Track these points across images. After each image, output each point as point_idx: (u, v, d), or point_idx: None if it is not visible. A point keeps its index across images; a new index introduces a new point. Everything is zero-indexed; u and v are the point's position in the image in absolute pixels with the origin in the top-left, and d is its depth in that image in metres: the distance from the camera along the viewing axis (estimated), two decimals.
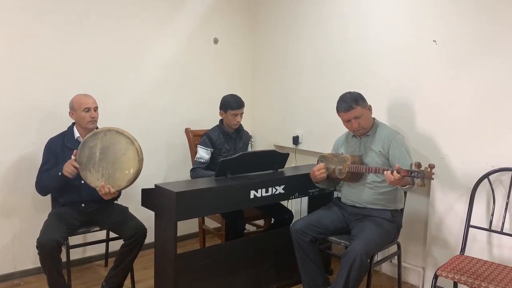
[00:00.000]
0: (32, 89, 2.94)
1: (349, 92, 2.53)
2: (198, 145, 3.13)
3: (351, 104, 2.45)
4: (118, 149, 2.47)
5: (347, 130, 2.69)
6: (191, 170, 3.10)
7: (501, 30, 2.40)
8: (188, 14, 3.67)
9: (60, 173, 2.49)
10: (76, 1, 3.06)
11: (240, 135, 3.23)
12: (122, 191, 2.66)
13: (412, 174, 2.09)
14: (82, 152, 2.48)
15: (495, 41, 2.43)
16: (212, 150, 3.09)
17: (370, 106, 2.55)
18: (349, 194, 2.61)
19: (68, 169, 2.46)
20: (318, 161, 2.69)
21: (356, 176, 2.50)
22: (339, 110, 2.52)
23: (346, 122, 2.53)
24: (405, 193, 2.65)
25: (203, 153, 3.08)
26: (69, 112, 2.67)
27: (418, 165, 2.09)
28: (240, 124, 3.21)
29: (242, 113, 3.14)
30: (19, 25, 2.86)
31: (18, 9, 2.84)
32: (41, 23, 2.94)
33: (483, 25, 2.47)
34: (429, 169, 2.05)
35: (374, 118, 2.60)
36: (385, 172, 2.22)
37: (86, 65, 3.14)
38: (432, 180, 2.14)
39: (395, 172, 2.15)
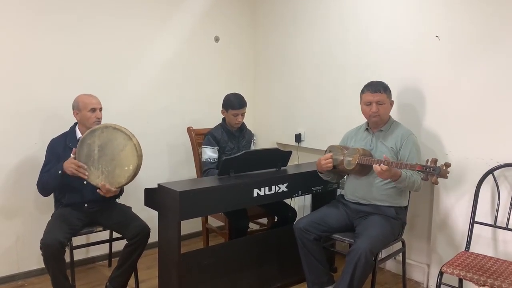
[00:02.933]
0: (34, 90, 2.93)
1: (380, 80, 2.56)
2: (203, 146, 3.11)
3: (379, 88, 2.49)
4: (116, 145, 2.45)
5: (357, 125, 2.71)
6: (204, 172, 3.08)
7: (505, 25, 2.39)
8: (189, 13, 3.65)
9: (60, 172, 2.48)
10: (77, 3, 3.05)
11: (243, 134, 3.22)
12: (124, 189, 2.66)
13: (427, 170, 2.09)
14: (81, 150, 2.48)
15: (500, 36, 2.41)
16: (218, 148, 3.08)
17: (393, 102, 2.58)
18: (353, 189, 2.59)
19: (72, 169, 2.44)
20: (326, 151, 2.68)
21: (364, 170, 2.49)
22: (364, 90, 2.53)
23: (366, 104, 2.52)
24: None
25: (211, 153, 3.05)
26: (74, 112, 2.67)
27: (435, 161, 2.09)
28: (243, 123, 3.20)
29: (244, 113, 3.12)
30: (20, 26, 2.85)
31: (19, 10, 2.84)
32: (42, 24, 2.93)
33: (486, 20, 2.46)
34: (445, 167, 2.06)
35: (390, 116, 2.62)
36: (373, 166, 2.26)
37: (87, 65, 3.14)
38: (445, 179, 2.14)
39: (382, 165, 2.20)
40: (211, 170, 3.03)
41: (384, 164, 2.21)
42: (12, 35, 2.83)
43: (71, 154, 2.49)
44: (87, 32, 3.12)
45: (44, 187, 2.61)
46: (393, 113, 2.90)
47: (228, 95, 3.14)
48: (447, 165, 2.07)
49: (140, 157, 2.45)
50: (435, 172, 2.06)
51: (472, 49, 2.53)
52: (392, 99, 2.58)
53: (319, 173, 2.67)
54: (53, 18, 2.97)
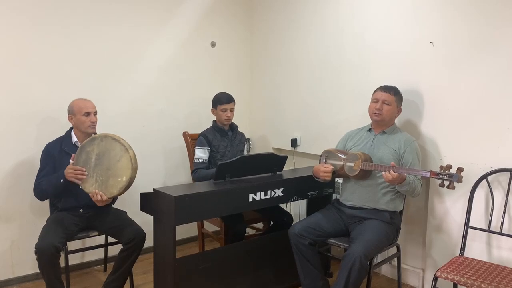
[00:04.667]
0: (29, 94, 2.93)
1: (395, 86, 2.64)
2: (195, 147, 3.16)
3: (391, 89, 2.58)
4: (112, 155, 2.47)
5: (359, 127, 2.76)
6: (192, 172, 3.12)
7: (498, 31, 2.41)
8: (186, 18, 3.67)
9: (62, 180, 2.49)
10: (73, 6, 3.06)
11: (235, 132, 3.28)
12: (117, 197, 2.66)
13: (443, 177, 2.12)
14: (80, 157, 2.49)
15: (492, 42, 2.44)
16: (209, 149, 3.12)
17: (401, 110, 2.66)
18: (352, 193, 2.59)
19: (72, 174, 2.45)
20: (321, 156, 2.69)
21: (366, 174, 2.50)
22: (377, 89, 2.62)
23: (373, 101, 2.60)
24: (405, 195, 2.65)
25: (201, 154, 3.10)
26: (68, 117, 2.67)
27: (449, 168, 2.12)
28: (234, 123, 3.25)
29: (233, 109, 3.18)
30: (16, 30, 2.86)
31: (15, 14, 2.84)
32: (38, 28, 2.93)
33: (480, 26, 2.48)
34: (459, 172, 2.10)
35: (394, 122, 2.67)
36: (382, 172, 2.27)
37: (83, 69, 3.14)
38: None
39: (391, 171, 2.23)
40: (199, 170, 3.07)
41: (393, 171, 2.23)
42: (8, 39, 2.83)
43: (70, 160, 2.49)
44: (83, 36, 3.12)
45: (42, 194, 2.60)
46: None
47: (216, 94, 3.21)
48: (461, 169, 2.11)
49: (134, 169, 2.45)
50: (452, 179, 2.10)
51: (466, 55, 2.55)
52: (401, 107, 2.64)
53: (315, 178, 2.68)
54: (49, 22, 2.97)
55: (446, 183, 2.13)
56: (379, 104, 2.56)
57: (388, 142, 2.57)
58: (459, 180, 2.10)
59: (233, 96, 3.20)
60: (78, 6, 3.08)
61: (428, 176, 2.18)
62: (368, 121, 2.72)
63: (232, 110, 3.18)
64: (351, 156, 2.51)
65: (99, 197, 2.45)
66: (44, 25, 2.96)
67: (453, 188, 2.12)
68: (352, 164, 2.47)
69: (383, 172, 2.28)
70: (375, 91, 2.64)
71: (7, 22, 2.82)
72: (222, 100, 3.14)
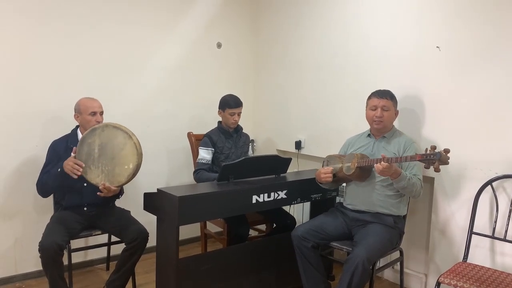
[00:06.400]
0: (35, 93, 2.95)
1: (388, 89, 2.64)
2: (199, 147, 3.16)
3: (386, 94, 2.56)
4: (116, 144, 2.46)
5: (363, 130, 2.74)
6: (194, 172, 3.12)
7: (503, 36, 2.40)
8: (192, 19, 3.68)
9: (59, 170, 2.48)
10: (80, 6, 3.08)
11: (239, 134, 3.29)
12: (124, 191, 2.66)
13: (428, 158, 2.08)
14: (81, 149, 2.48)
15: (498, 47, 2.43)
16: (213, 150, 3.12)
17: (398, 111, 2.64)
18: (354, 196, 2.60)
19: (69, 166, 2.44)
20: (324, 161, 2.70)
21: (364, 174, 2.49)
22: (371, 96, 2.60)
23: (372, 109, 2.57)
24: (409, 198, 2.64)
25: (204, 154, 3.11)
26: (75, 115, 2.69)
27: (434, 148, 2.09)
28: (239, 125, 3.26)
29: (240, 113, 3.20)
30: (22, 29, 2.88)
31: (20, 13, 2.86)
32: (44, 27, 2.95)
33: (485, 31, 2.47)
34: (444, 153, 2.06)
35: (393, 126, 2.66)
36: (374, 165, 2.27)
37: (89, 69, 3.16)
38: (447, 165, 2.14)
39: (382, 162, 2.21)
40: (201, 171, 3.07)
41: (384, 162, 2.22)
42: (15, 39, 2.85)
43: (72, 153, 2.50)
44: (89, 37, 3.14)
45: (43, 187, 2.62)
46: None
47: (224, 96, 3.22)
48: (446, 151, 2.07)
49: (140, 155, 2.45)
50: (435, 158, 2.05)
51: (471, 60, 2.54)
52: (397, 109, 2.63)
53: (318, 183, 2.68)
54: (55, 22, 2.99)
55: (431, 165, 2.08)
56: (379, 111, 2.53)
57: (388, 146, 2.56)
58: (443, 160, 2.05)
59: (239, 97, 3.21)
60: (84, 7, 3.10)
61: (416, 160, 2.16)
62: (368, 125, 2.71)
63: (239, 114, 3.19)
64: (348, 156, 2.52)
65: (107, 187, 2.45)
66: (49, 25, 2.97)
67: (438, 170, 2.06)
68: (349, 164, 2.47)
69: (375, 165, 2.28)
70: (370, 98, 2.61)
71: (12, 22, 2.84)
72: (230, 104, 3.13)
